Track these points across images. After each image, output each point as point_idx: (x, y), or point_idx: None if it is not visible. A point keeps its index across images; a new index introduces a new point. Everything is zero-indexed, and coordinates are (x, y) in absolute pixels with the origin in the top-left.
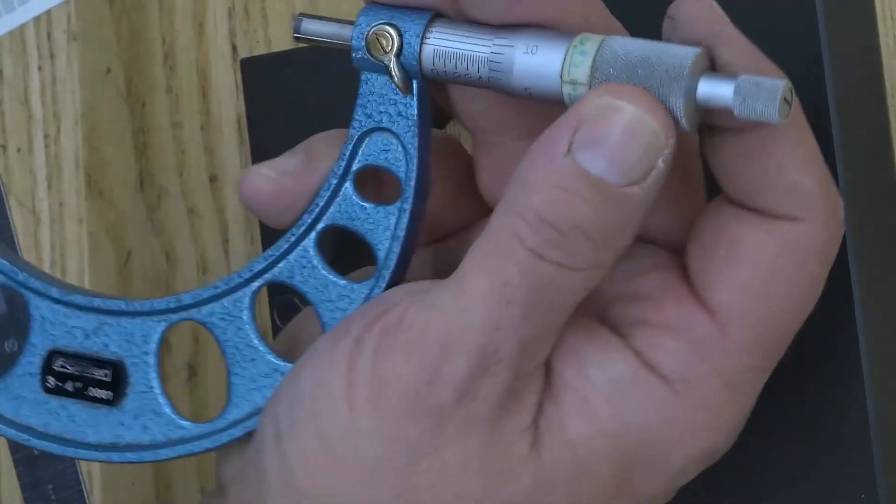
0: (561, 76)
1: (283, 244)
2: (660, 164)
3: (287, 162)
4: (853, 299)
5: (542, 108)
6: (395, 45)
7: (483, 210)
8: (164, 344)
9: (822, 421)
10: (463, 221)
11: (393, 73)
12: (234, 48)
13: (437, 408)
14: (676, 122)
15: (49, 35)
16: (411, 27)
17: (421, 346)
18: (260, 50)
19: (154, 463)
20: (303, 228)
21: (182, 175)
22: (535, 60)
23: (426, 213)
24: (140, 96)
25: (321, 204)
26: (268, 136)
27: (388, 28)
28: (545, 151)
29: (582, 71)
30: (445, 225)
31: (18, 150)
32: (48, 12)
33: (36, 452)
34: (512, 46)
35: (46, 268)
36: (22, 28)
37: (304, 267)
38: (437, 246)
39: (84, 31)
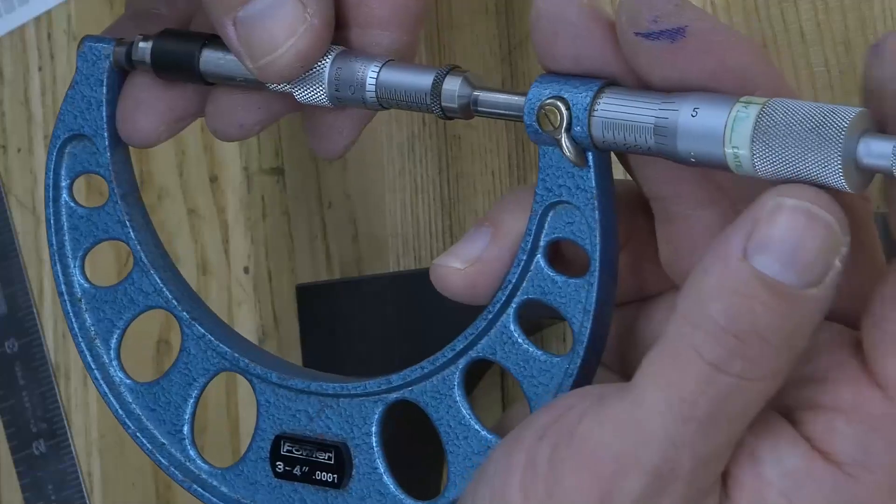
0: (723, 142)
1: (481, 322)
2: (837, 263)
3: (473, 247)
4: None
5: (720, 176)
6: (564, 120)
7: (665, 281)
8: (163, 344)
9: None
10: (645, 289)
11: (564, 148)
12: None
13: None
14: (838, 188)
15: (49, 35)
16: (579, 99)
17: (595, 461)
18: None
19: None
20: (498, 305)
21: (182, 175)
22: (698, 126)
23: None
24: None
25: (513, 280)
26: (320, 358)
27: (556, 102)
28: (719, 257)
29: (742, 137)
30: (627, 291)
31: (18, 150)
32: (48, 12)
33: (36, 453)
34: (676, 111)
35: (47, 268)
36: (22, 28)
37: (505, 343)
38: (618, 310)
39: (84, 31)
